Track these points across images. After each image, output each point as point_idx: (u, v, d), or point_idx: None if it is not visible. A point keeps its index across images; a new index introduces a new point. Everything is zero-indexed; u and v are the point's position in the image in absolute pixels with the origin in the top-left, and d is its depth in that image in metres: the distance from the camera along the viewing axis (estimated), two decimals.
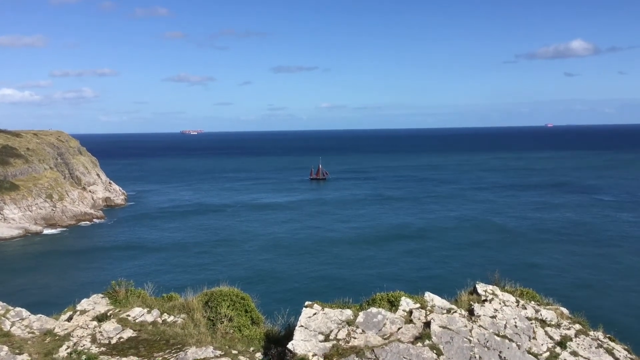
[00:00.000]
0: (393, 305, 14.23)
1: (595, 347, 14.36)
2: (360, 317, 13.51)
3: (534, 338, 14.18)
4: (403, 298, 14.43)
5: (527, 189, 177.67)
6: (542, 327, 14.69)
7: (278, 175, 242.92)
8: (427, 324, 13.46)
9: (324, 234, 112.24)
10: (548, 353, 13.86)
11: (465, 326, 13.64)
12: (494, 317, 14.27)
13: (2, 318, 15.85)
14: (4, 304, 16.76)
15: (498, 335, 13.68)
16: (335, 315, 13.50)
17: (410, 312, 13.97)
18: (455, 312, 14.21)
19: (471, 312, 14.36)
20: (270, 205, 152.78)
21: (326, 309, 13.73)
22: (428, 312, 13.98)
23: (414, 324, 13.60)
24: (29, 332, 15.45)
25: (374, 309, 13.77)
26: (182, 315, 15.59)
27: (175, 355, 13.53)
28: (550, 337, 14.38)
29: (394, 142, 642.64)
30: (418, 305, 14.29)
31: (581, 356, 13.98)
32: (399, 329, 13.35)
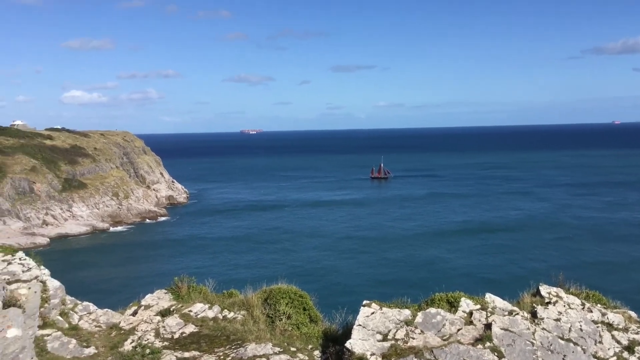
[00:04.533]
0: (452, 306, 14.01)
1: None
2: (419, 317, 13.36)
3: (600, 342, 13.67)
4: (463, 299, 14.18)
5: (595, 187, 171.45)
6: (609, 331, 14.15)
7: (337, 174, 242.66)
8: (488, 326, 13.18)
9: (384, 233, 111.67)
10: (615, 358, 13.34)
11: (528, 329, 13.28)
12: (557, 320, 13.84)
13: (71, 312, 16.50)
14: (73, 298, 17.45)
15: (562, 338, 13.26)
16: (393, 315, 13.40)
17: (471, 314, 13.72)
18: (518, 314, 13.85)
19: (534, 314, 13.97)
20: (330, 203, 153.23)
21: (384, 309, 13.64)
22: (489, 314, 13.69)
23: (474, 325, 13.34)
24: (95, 326, 16.03)
25: (433, 310, 13.59)
26: (242, 312, 15.82)
27: (235, 350, 13.75)
28: (618, 342, 13.84)
29: (454, 141, 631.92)
30: (478, 306, 14.01)
31: None
32: (458, 330, 13.13)
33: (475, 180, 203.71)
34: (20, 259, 16.31)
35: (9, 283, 11.06)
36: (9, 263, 15.87)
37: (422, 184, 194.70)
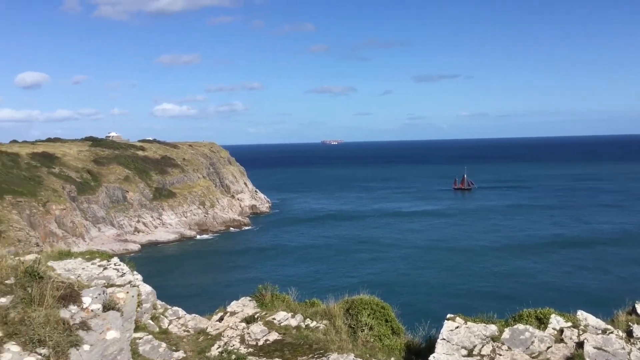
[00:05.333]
0: (542, 322, 13.48)
1: None
2: (506, 333, 12.96)
3: None
4: (553, 315, 13.62)
5: None
6: None
7: (419, 184, 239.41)
8: (580, 345, 12.59)
9: (468, 244, 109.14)
10: None
11: (623, 348, 12.58)
12: None
13: (161, 316, 17.19)
14: (163, 303, 18.17)
15: None
16: (479, 330, 13.07)
17: (561, 331, 13.15)
18: (612, 332, 13.15)
19: (629, 333, 13.22)
20: (411, 214, 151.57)
21: (469, 323, 13.33)
22: (581, 332, 13.07)
23: (565, 343, 12.79)
24: (184, 331, 16.61)
25: (520, 326, 13.14)
26: (324, 322, 15.91)
27: None
28: None
29: (541, 151, 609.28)
30: (570, 323, 13.41)
31: None
32: (548, 348, 12.63)
33: (564, 191, 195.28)
34: (115, 264, 17.18)
35: (106, 287, 11.67)
36: (105, 268, 16.76)
37: (508, 195, 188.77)
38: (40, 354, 7.24)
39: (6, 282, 8.36)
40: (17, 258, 9.50)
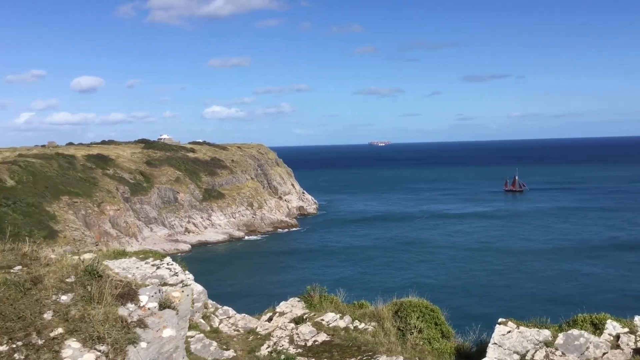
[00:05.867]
0: (597, 328, 13.13)
1: None
2: (560, 338, 12.67)
3: None
4: (609, 321, 13.24)
5: None
6: None
7: (468, 186, 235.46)
8: (637, 351, 12.21)
9: (519, 247, 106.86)
10: None
11: None
12: None
13: (212, 315, 17.51)
14: (214, 302, 18.52)
15: None
16: (531, 335, 12.82)
17: (617, 337, 12.78)
18: None
19: None
20: (460, 215, 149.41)
21: (521, 328, 13.09)
22: (638, 338, 12.68)
23: (622, 349, 12.41)
24: (234, 330, 16.88)
25: (575, 331, 12.83)
26: (373, 323, 15.90)
27: None
28: None
29: (598, 152, 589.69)
30: (626, 329, 13.01)
31: None
32: (604, 354, 12.29)
33: (620, 194, 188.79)
34: (167, 264, 17.62)
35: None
36: (158, 267, 17.20)
37: (561, 197, 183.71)
38: (99, 351, 7.50)
39: (67, 280, 8.69)
40: (77, 257, 9.86)
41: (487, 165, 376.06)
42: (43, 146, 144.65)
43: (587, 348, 12.39)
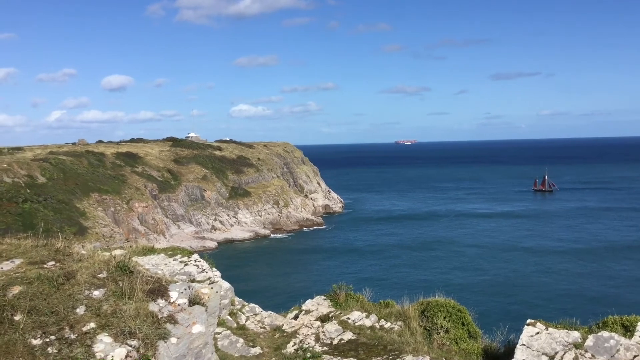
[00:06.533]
0: (628, 330, 12.90)
1: None
2: (590, 340, 12.48)
3: None
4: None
5: None
6: None
7: (496, 185, 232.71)
8: None
9: (549, 247, 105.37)
10: None
11: None
12: None
13: (239, 312, 17.66)
14: (241, 299, 18.67)
15: None
16: (560, 337, 12.66)
17: None
18: None
19: None
20: (488, 215, 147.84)
21: (550, 329, 12.93)
22: None
23: None
24: (260, 327, 17.00)
25: (605, 333, 12.63)
26: (399, 323, 15.86)
27: None
28: None
29: (628, 151, 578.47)
30: None
31: None
32: (634, 357, 12.07)
33: None
34: (195, 260, 17.82)
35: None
36: (186, 264, 17.41)
37: (593, 197, 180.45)
38: (130, 346, 7.64)
39: (99, 275, 8.86)
40: (108, 253, 10.04)
41: (516, 165, 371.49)
42: (73, 144, 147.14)
43: (618, 350, 12.19)
